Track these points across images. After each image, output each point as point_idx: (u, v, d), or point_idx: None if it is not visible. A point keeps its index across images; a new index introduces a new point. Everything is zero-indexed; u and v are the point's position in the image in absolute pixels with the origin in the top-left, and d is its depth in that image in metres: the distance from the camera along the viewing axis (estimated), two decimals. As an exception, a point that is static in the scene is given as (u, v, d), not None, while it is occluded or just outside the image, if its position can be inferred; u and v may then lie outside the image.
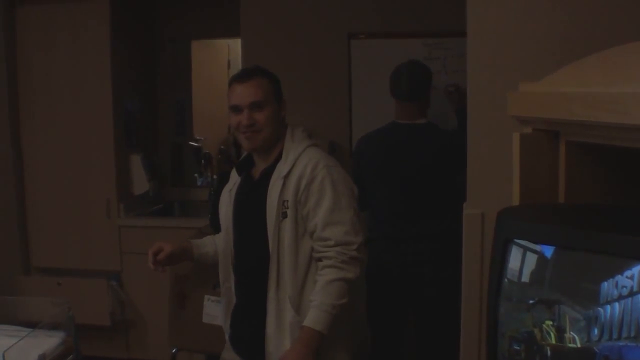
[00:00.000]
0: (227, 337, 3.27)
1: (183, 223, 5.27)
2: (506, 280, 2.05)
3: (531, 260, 1.95)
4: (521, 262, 1.99)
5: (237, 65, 5.56)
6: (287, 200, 2.95)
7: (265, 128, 3.02)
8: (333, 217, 2.92)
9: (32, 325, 3.29)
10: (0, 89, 5.42)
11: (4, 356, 2.76)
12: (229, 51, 6.52)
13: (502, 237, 2.08)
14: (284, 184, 2.97)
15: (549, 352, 1.85)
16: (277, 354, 2.96)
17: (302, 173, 2.95)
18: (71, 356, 3.24)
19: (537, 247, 1.92)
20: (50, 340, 3.23)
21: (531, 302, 1.93)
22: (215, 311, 3.62)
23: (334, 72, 4.90)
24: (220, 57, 6.72)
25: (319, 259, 2.95)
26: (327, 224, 2.91)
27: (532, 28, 2.64)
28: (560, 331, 1.82)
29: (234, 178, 3.26)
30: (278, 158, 3.06)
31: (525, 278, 1.97)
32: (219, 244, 3.29)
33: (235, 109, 3.03)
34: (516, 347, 1.98)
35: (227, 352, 3.27)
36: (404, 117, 4.07)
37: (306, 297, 2.95)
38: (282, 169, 3.00)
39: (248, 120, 2.99)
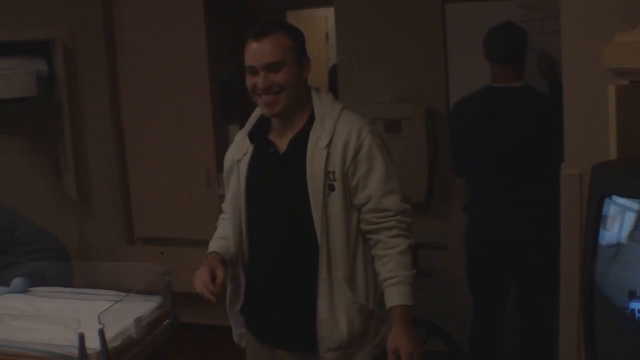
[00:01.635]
0: (243, 324, 2.94)
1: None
2: (602, 238, 1.98)
3: (629, 217, 1.87)
4: (618, 218, 1.92)
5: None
6: (334, 172, 2.63)
7: (286, 90, 2.65)
8: (388, 186, 2.66)
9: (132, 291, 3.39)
10: (100, 66, 5.55)
11: (99, 318, 2.83)
12: (327, 23, 6.49)
13: (597, 193, 2.01)
14: (328, 154, 2.63)
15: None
16: (331, 339, 2.67)
17: (347, 140, 2.64)
18: (168, 320, 3.32)
19: (635, 203, 1.84)
20: (146, 305, 3.31)
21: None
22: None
23: (428, 37, 4.80)
24: (317, 28, 6.72)
25: (372, 232, 2.67)
26: (383, 194, 2.65)
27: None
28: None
29: (243, 146, 2.84)
30: (307, 124, 2.71)
31: (623, 235, 1.90)
32: (228, 229, 2.89)
33: (251, 70, 2.67)
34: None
35: (249, 342, 2.95)
36: (500, 80, 3.97)
37: (359, 275, 2.69)
38: (320, 136, 2.66)
39: (264, 82, 2.63)
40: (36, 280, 4.10)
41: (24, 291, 3.65)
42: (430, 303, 4.22)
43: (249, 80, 2.68)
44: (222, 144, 5.47)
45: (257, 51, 2.64)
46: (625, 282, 1.88)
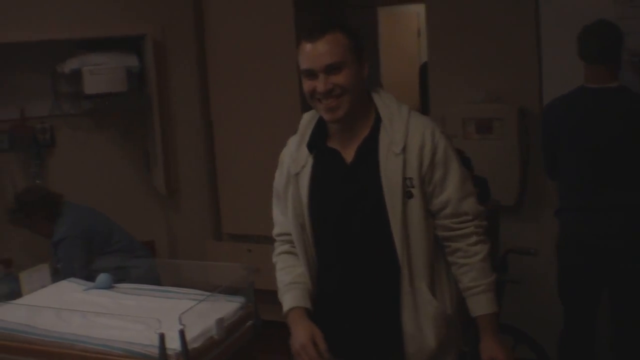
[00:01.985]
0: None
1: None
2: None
3: None
4: None
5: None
6: (412, 178, 2.46)
7: (348, 92, 2.46)
8: (465, 189, 2.53)
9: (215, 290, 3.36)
10: (190, 61, 5.63)
11: (180, 319, 2.82)
12: (419, 19, 6.40)
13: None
14: (404, 160, 2.46)
15: None
16: (421, 353, 2.53)
17: (422, 143, 2.48)
18: (251, 322, 3.28)
19: None
20: (229, 305, 3.28)
21: None
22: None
23: (522, 34, 4.66)
24: (409, 24, 6.63)
25: (450, 239, 2.54)
26: (462, 198, 2.51)
27: None
28: None
29: (300, 158, 2.60)
30: (373, 129, 2.53)
31: None
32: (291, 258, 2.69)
33: (309, 74, 2.47)
34: None
35: None
36: (594, 81, 3.81)
37: (442, 283, 2.56)
38: (392, 140, 2.48)
39: (325, 85, 2.43)
40: (121, 276, 4.14)
41: (108, 287, 3.68)
42: (518, 310, 4.10)
43: (307, 85, 2.48)
44: (312, 141, 5.43)
45: (314, 53, 2.46)
46: None
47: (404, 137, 2.47)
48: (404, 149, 2.46)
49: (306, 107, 5.41)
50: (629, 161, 3.74)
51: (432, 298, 2.51)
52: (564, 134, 3.89)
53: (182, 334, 2.81)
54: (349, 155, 2.53)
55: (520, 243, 4.17)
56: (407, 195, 2.46)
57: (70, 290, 3.70)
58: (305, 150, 2.58)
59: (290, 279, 2.63)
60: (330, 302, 2.61)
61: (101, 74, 5.30)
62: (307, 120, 2.65)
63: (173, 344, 2.83)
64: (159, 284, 4.07)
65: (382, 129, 2.51)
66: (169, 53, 5.62)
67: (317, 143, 2.57)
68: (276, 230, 2.76)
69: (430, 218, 2.52)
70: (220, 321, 3.06)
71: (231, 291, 3.40)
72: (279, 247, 2.75)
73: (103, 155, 5.73)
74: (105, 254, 4.56)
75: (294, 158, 2.60)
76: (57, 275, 3.91)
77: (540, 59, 4.65)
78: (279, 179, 2.67)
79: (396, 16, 6.32)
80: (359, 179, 2.52)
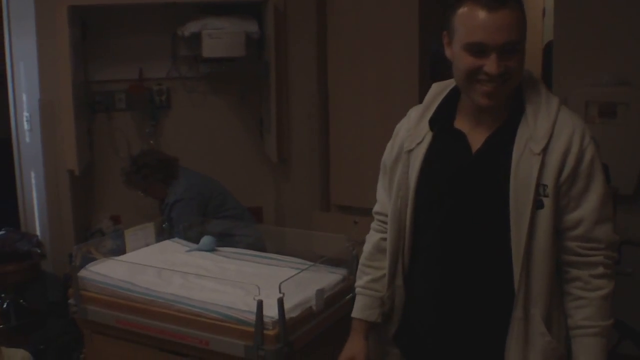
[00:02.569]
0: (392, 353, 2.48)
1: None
2: None
3: None
4: None
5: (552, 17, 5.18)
6: (547, 185, 2.09)
7: (514, 78, 2.11)
8: (604, 212, 2.13)
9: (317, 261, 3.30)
10: (310, 30, 5.62)
11: (280, 287, 2.75)
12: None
13: None
14: (542, 162, 2.09)
15: None
16: None
17: (568, 147, 2.10)
18: (351, 294, 3.19)
19: None
20: (330, 277, 3.21)
21: None
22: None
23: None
24: (535, 3, 6.38)
25: (572, 264, 2.16)
26: (598, 221, 2.11)
27: None
28: None
29: (418, 132, 2.28)
30: (512, 118, 2.17)
31: None
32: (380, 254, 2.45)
33: (478, 49, 2.07)
34: None
35: None
36: None
37: (557, 315, 2.19)
38: (532, 137, 2.11)
39: (498, 67, 2.05)
40: (226, 240, 4.12)
41: (211, 250, 3.65)
42: (626, 304, 3.89)
43: (469, 62, 2.09)
44: (427, 117, 5.31)
45: (492, 24, 2.04)
46: None
47: (548, 136, 2.10)
48: (545, 150, 2.10)
49: (423, 85, 5.31)
50: None
51: (545, 330, 2.15)
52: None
53: (280, 302, 2.74)
54: (476, 142, 2.18)
55: (636, 234, 3.94)
56: (538, 204, 2.10)
57: (173, 250, 3.69)
58: (426, 125, 2.26)
59: (364, 282, 2.47)
60: (421, 312, 2.33)
61: (220, 38, 5.29)
62: (436, 92, 2.34)
63: (271, 311, 2.77)
64: (265, 251, 4.04)
65: (523, 121, 2.14)
66: (290, 21, 5.58)
67: (442, 120, 2.25)
68: (376, 208, 2.49)
69: (556, 236, 2.15)
70: (320, 292, 2.98)
71: (334, 262, 3.32)
72: (373, 233, 2.50)
73: (218, 119, 5.77)
74: (217, 219, 4.58)
75: (411, 132, 2.28)
76: (163, 235, 3.91)
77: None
78: (390, 152, 2.36)
79: None
80: (483, 173, 2.16)
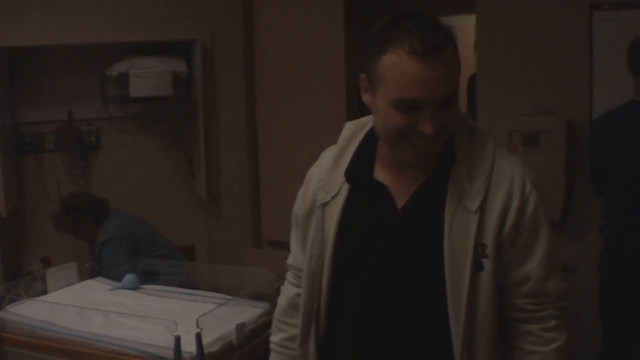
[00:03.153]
0: None
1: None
2: None
3: None
4: None
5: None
6: (486, 245, 1.81)
7: (450, 130, 1.82)
8: (550, 264, 1.87)
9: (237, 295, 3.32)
10: (237, 67, 5.60)
11: (197, 322, 2.76)
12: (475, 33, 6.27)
13: None
14: (480, 220, 1.80)
15: None
16: None
17: (508, 201, 1.81)
18: (273, 328, 3.21)
19: None
20: (252, 311, 3.22)
21: None
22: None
23: (573, 47, 4.51)
24: (466, 37, 6.51)
25: (521, 320, 1.88)
26: (547, 276, 1.85)
27: None
28: None
29: (333, 183, 1.94)
30: (441, 168, 1.85)
31: None
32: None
33: (408, 106, 1.71)
34: None
35: None
36: (642, 94, 3.68)
37: None
38: (466, 192, 1.81)
39: (435, 126, 1.73)
40: (158, 279, 4.12)
41: (134, 288, 3.65)
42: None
43: (400, 121, 1.74)
44: (356, 150, 5.36)
45: (428, 78, 1.69)
46: None
47: (484, 190, 1.82)
48: (482, 207, 1.81)
49: (351, 117, 5.36)
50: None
51: None
52: (610, 149, 3.77)
53: (198, 337, 2.75)
54: (401, 196, 1.86)
55: (561, 260, 4.03)
56: (477, 266, 1.82)
57: (96, 289, 3.68)
58: (341, 174, 1.93)
59: (279, 339, 2.14)
60: None
61: (147, 77, 5.31)
62: (351, 133, 2.02)
63: (190, 347, 2.77)
64: (197, 288, 4.04)
65: (454, 172, 1.84)
66: (217, 59, 5.60)
67: (359, 171, 1.92)
68: (289, 260, 2.15)
69: (499, 293, 1.88)
70: (240, 326, 3.00)
71: (256, 296, 3.34)
72: (289, 287, 2.18)
73: (148, 159, 5.75)
74: (147, 258, 4.57)
75: (324, 182, 1.95)
76: (88, 274, 3.90)
77: (592, 72, 4.51)
78: (302, 203, 2.02)
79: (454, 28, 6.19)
80: (412, 233, 1.85)
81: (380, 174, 1.90)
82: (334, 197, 1.92)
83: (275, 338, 2.16)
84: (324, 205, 1.93)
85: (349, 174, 1.91)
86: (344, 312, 1.95)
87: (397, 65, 1.71)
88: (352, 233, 1.91)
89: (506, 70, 4.72)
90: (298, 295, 2.08)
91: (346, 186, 1.92)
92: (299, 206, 2.03)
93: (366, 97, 1.87)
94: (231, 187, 5.70)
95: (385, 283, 1.87)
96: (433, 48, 1.69)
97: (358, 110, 5.33)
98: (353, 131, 2.03)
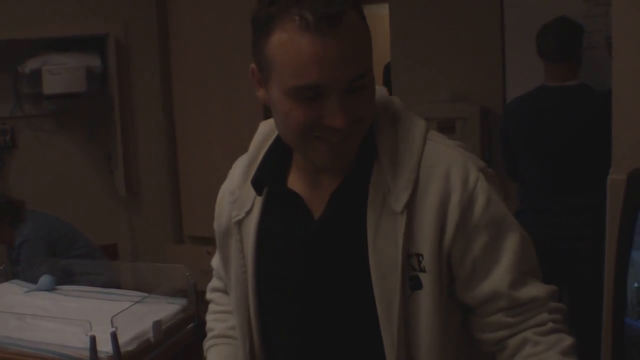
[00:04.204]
0: None
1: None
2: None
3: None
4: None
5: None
6: (421, 255, 1.45)
7: (367, 120, 1.46)
8: (525, 267, 1.48)
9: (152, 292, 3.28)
10: (153, 62, 5.54)
11: (112, 321, 2.72)
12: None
13: (631, 203, 1.79)
14: (408, 224, 1.45)
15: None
16: None
17: (445, 195, 1.45)
18: (192, 324, 3.19)
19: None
20: (169, 307, 3.19)
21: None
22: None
23: (486, 33, 4.59)
24: (381, 26, 6.52)
25: (505, 338, 1.50)
26: (521, 280, 1.47)
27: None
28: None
29: (245, 198, 1.63)
30: (362, 164, 1.51)
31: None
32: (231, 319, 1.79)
33: (311, 94, 1.37)
34: None
35: None
36: (553, 79, 3.74)
37: None
38: (389, 189, 1.47)
39: (345, 118, 1.38)
40: (78, 280, 4.05)
41: (50, 289, 3.58)
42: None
43: (302, 115, 1.40)
44: (274, 144, 5.35)
45: (329, 56, 1.35)
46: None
47: (411, 184, 1.46)
48: (410, 205, 1.46)
49: (270, 114, 5.38)
50: (588, 161, 3.67)
51: None
52: (523, 133, 3.82)
53: (114, 336, 2.71)
54: (318, 204, 1.54)
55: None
56: (412, 283, 1.46)
57: (11, 292, 3.61)
58: (251, 188, 1.61)
59: (220, 330, 1.82)
60: None
61: (60, 73, 5.21)
62: (264, 136, 1.68)
63: (106, 346, 2.74)
64: (120, 287, 3.98)
65: (376, 167, 1.50)
66: (132, 53, 5.53)
67: (270, 180, 1.59)
68: (214, 265, 1.88)
69: (455, 315, 1.53)
70: (157, 323, 2.96)
71: (173, 293, 3.31)
72: (214, 281, 1.91)
73: (65, 156, 5.65)
74: (67, 259, 4.50)
75: (237, 196, 1.64)
76: (4, 277, 3.82)
77: (504, 57, 4.58)
78: (217, 221, 1.74)
79: (367, 18, 6.21)
80: (331, 249, 1.52)
81: (295, 181, 1.58)
82: (248, 212, 1.61)
83: (216, 329, 1.83)
84: (239, 222, 1.62)
85: (258, 184, 1.59)
86: (279, 346, 1.66)
87: (288, 45, 1.36)
88: (270, 255, 1.60)
89: (420, 57, 4.77)
90: (230, 328, 1.80)
91: (260, 199, 1.60)
92: (216, 225, 1.74)
93: (260, 93, 1.53)
94: (150, 183, 5.64)
95: (312, 312, 1.56)
96: (330, 18, 1.33)
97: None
98: (267, 133, 1.68)
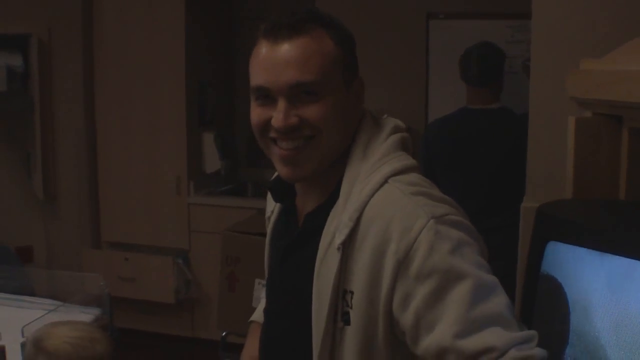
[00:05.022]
0: None
1: (253, 204, 5.11)
2: (542, 286, 1.81)
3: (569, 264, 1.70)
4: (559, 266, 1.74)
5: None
6: (352, 292, 1.49)
7: (323, 135, 1.53)
8: (484, 311, 1.40)
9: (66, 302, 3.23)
10: (76, 64, 5.46)
11: (22, 331, 2.67)
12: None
13: (539, 236, 1.84)
14: (342, 259, 1.50)
15: None
16: None
17: (383, 240, 1.45)
18: (108, 333, 3.15)
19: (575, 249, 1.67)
20: (82, 317, 3.14)
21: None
22: (267, 296, 3.46)
23: (411, 53, 4.68)
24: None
25: None
26: (476, 327, 1.39)
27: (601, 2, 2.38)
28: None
29: (271, 201, 1.81)
30: (336, 190, 1.58)
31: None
32: None
33: (262, 95, 1.54)
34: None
35: None
36: (476, 102, 3.83)
37: None
38: (339, 223, 1.52)
39: (286, 117, 1.50)
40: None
41: (-44, 296, 3.49)
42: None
43: (256, 114, 1.56)
44: (195, 152, 5.37)
45: (274, 61, 1.51)
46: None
47: (352, 222, 1.49)
48: (348, 242, 1.49)
49: (191, 119, 5.34)
50: (507, 183, 3.75)
51: None
52: (444, 155, 3.89)
53: (23, 346, 2.65)
54: (302, 218, 1.68)
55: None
56: (343, 317, 1.50)
57: None
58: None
59: (260, 308, 2.00)
60: None
61: (-21, 71, 5.10)
62: None
63: (16, 357, 2.67)
64: (33, 294, 3.90)
65: (336, 203, 1.56)
66: (55, 54, 5.44)
67: (282, 191, 1.71)
68: None
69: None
70: (69, 334, 2.91)
71: (87, 302, 3.26)
72: None
73: (-18, 156, 5.53)
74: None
75: (269, 196, 1.80)
76: None
77: (428, 78, 4.66)
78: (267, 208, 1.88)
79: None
80: (295, 265, 1.65)
81: (299, 193, 1.69)
82: (272, 213, 1.80)
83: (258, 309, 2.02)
84: (268, 218, 1.82)
85: (274, 194, 1.74)
86: (269, 309, 1.82)
87: (254, 50, 1.56)
88: (274, 249, 1.76)
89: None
90: None
91: (277, 207, 1.78)
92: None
93: None
94: (69, 187, 5.56)
95: (277, 301, 1.74)
96: (285, 27, 1.51)
97: (198, 110, 5.33)
98: None
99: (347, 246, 1.49)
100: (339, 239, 1.49)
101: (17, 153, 5.61)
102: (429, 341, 1.41)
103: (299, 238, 1.63)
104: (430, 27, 4.63)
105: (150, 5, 5.28)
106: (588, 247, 1.59)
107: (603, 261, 1.54)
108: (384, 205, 1.48)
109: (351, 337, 1.49)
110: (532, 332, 1.43)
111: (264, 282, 1.93)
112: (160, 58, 5.27)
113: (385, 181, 1.51)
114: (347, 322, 1.50)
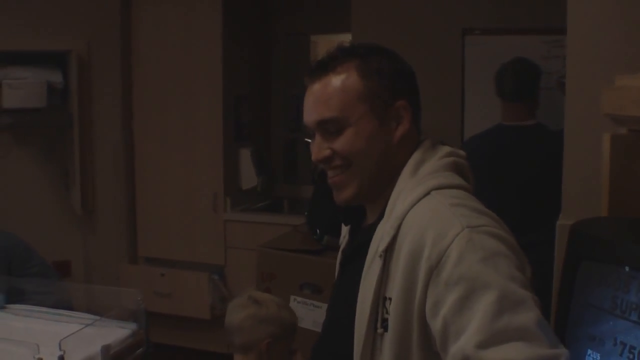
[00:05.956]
0: None
1: (288, 220, 5.12)
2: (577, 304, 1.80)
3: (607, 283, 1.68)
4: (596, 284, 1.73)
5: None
6: (390, 299, 1.55)
7: (356, 164, 1.65)
8: (507, 324, 1.39)
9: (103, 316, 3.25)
10: (114, 80, 5.52)
11: (60, 344, 2.70)
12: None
13: (573, 255, 1.83)
14: (383, 266, 1.57)
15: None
16: None
17: (418, 246, 1.51)
18: (141, 349, 3.17)
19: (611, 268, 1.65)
20: (119, 332, 3.16)
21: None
22: (301, 313, 3.47)
23: (446, 70, 4.66)
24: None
25: None
26: (489, 344, 1.39)
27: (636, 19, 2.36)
28: None
29: (344, 228, 1.91)
30: (385, 206, 1.67)
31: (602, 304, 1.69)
32: None
33: (310, 131, 1.73)
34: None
35: None
36: (511, 119, 3.80)
37: None
38: (383, 231, 1.61)
39: (318, 152, 1.67)
40: (30, 299, 3.99)
41: (0, 308, 3.54)
42: None
43: (311, 147, 1.73)
44: (232, 167, 5.39)
45: (308, 100, 1.68)
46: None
47: (393, 230, 1.56)
48: (388, 250, 1.57)
49: (227, 134, 5.37)
50: (542, 200, 3.72)
51: None
52: (478, 172, 3.85)
53: (61, 359, 2.69)
54: None
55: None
56: (382, 324, 1.56)
57: (-40, 309, 3.55)
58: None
59: None
60: None
61: (20, 88, 5.17)
62: None
63: (53, 370, 2.71)
64: (71, 308, 3.94)
65: (387, 212, 1.65)
66: (94, 71, 5.51)
67: (354, 215, 1.82)
68: None
69: None
70: (105, 348, 2.94)
71: (124, 317, 3.28)
72: None
73: (21, 172, 5.58)
74: (21, 277, 4.43)
75: (343, 229, 1.92)
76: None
77: (464, 95, 4.64)
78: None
79: (329, 44, 6.25)
80: (347, 278, 1.76)
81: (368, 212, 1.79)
82: (344, 238, 1.90)
83: None
84: (341, 244, 1.92)
85: (345, 218, 1.87)
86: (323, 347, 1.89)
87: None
88: (340, 274, 1.87)
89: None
90: None
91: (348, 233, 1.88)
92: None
93: None
94: (107, 202, 5.61)
95: (323, 331, 1.86)
96: (317, 67, 1.67)
97: (234, 126, 5.36)
98: None
99: (388, 254, 1.56)
100: (382, 247, 1.56)
101: (55, 168, 5.68)
102: (455, 349, 1.42)
103: (352, 252, 1.75)
104: (466, 43, 4.61)
105: (188, 20, 5.33)
106: (620, 264, 1.58)
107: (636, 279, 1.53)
108: (422, 213, 1.55)
109: (389, 343, 1.54)
110: (559, 352, 1.40)
111: (299, 298, 2.05)
112: (197, 74, 5.32)
113: (428, 192, 1.58)
114: (386, 328, 1.55)
